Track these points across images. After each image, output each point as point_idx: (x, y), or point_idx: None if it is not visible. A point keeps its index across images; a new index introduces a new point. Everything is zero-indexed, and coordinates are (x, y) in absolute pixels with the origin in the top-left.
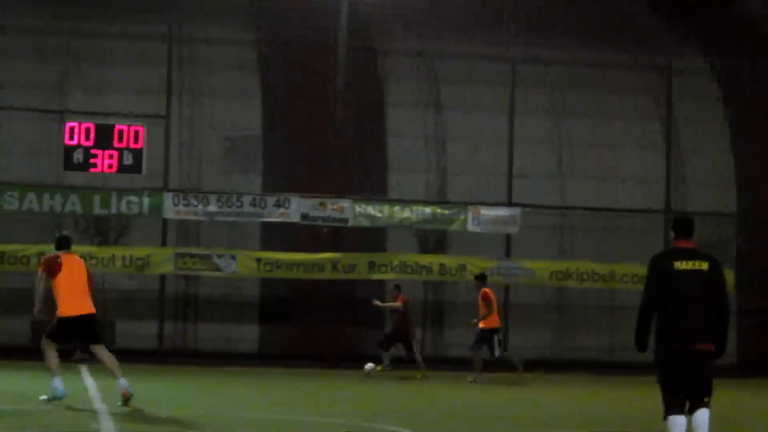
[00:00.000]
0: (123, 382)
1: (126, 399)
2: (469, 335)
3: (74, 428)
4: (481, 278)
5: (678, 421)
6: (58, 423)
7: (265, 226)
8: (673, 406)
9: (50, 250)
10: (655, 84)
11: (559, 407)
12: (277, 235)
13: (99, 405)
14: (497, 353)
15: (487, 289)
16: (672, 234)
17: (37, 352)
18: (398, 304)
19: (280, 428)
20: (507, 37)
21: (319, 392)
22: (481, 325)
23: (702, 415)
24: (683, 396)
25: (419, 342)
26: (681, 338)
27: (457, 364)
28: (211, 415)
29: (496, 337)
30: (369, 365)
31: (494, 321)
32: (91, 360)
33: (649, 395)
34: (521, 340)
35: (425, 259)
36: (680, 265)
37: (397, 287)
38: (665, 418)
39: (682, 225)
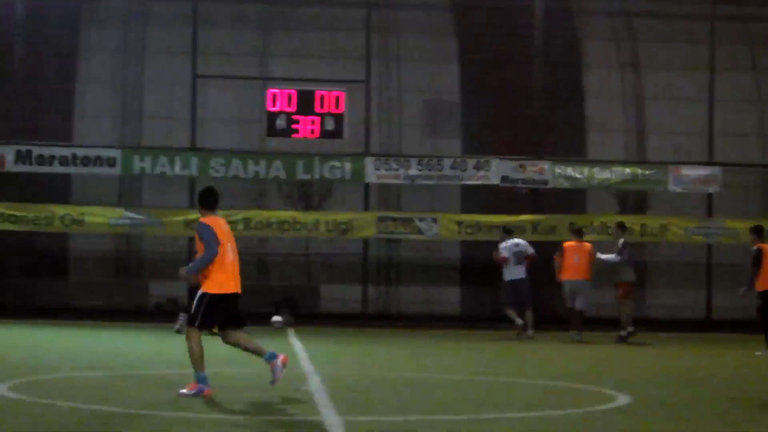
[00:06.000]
0: None
1: None
2: (668, 295)
3: (285, 387)
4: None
5: None
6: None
7: (466, 188)
8: None
9: (257, 215)
10: None
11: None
12: (478, 198)
13: (307, 366)
14: None
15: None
16: None
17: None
18: None
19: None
20: None
21: (523, 354)
22: None
23: None
24: None
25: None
26: None
27: (660, 325)
28: (419, 378)
29: None
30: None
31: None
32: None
33: None
34: (725, 300)
35: (626, 220)
36: None
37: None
38: None
39: None
